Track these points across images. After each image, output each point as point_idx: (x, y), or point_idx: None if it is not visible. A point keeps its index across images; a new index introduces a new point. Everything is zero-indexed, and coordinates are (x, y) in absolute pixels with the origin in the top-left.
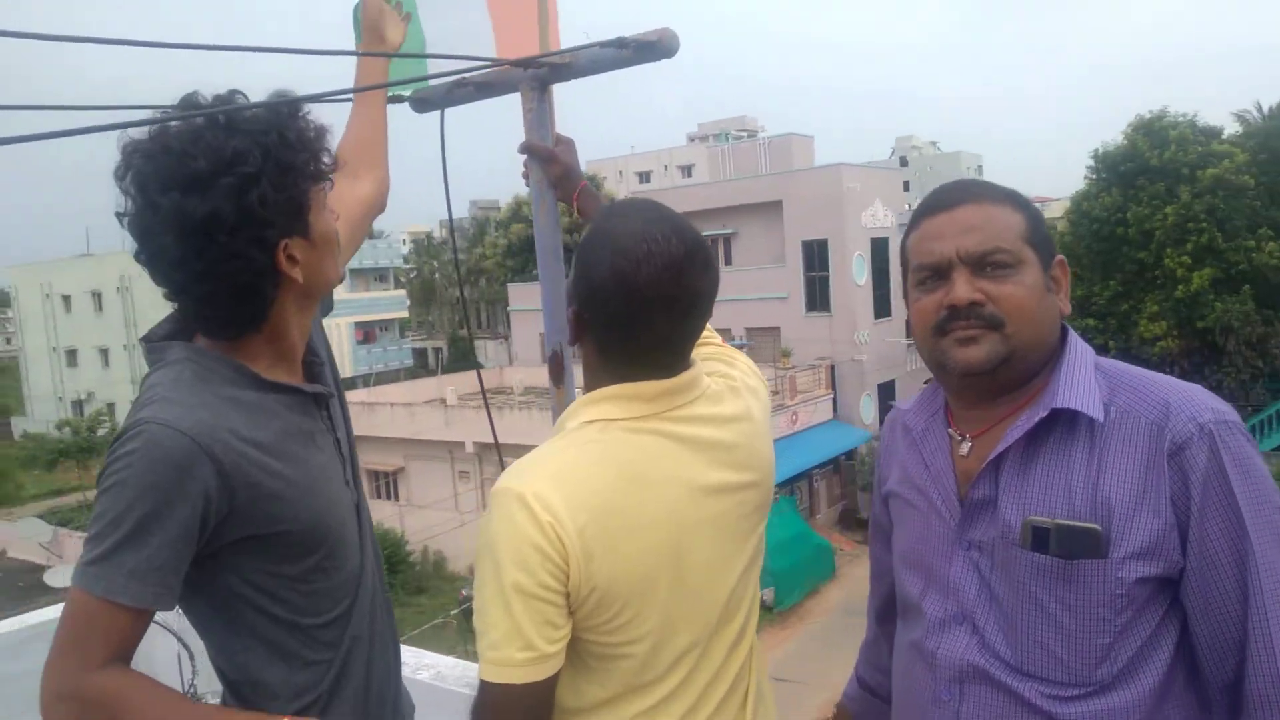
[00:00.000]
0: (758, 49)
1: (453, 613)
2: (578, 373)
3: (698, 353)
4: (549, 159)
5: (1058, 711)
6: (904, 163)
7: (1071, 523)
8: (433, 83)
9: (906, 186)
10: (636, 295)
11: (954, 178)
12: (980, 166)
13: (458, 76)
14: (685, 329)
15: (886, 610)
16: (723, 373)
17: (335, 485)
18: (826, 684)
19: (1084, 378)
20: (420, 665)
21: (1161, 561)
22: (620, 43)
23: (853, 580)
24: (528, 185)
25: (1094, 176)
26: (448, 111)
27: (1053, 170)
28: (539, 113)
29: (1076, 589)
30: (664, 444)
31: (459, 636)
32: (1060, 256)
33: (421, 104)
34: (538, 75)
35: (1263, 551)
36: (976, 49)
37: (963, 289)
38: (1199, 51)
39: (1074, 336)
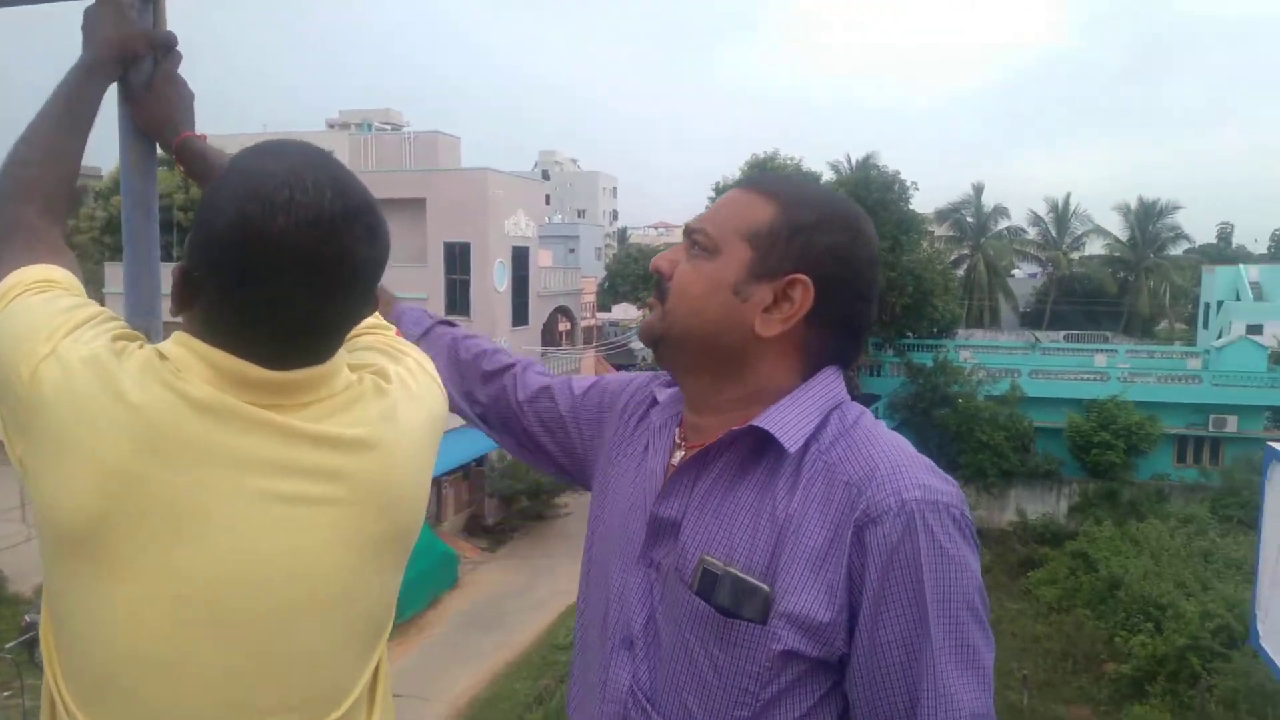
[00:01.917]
0: (409, 41)
1: (9, 646)
2: None
3: (353, 342)
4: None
5: None
6: (546, 176)
7: (743, 575)
8: None
9: (548, 200)
10: (264, 252)
11: (592, 195)
12: (615, 188)
13: None
14: (328, 310)
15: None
16: (378, 367)
17: None
18: (447, 698)
19: (802, 409)
20: None
21: (820, 644)
22: None
23: (476, 588)
24: None
25: None
26: (12, 13)
27: (681, 197)
28: (141, 11)
29: (729, 650)
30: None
31: (15, 671)
32: (801, 278)
33: None
34: None
35: (942, 665)
36: (623, 78)
37: (663, 255)
38: (806, 104)
39: (828, 378)
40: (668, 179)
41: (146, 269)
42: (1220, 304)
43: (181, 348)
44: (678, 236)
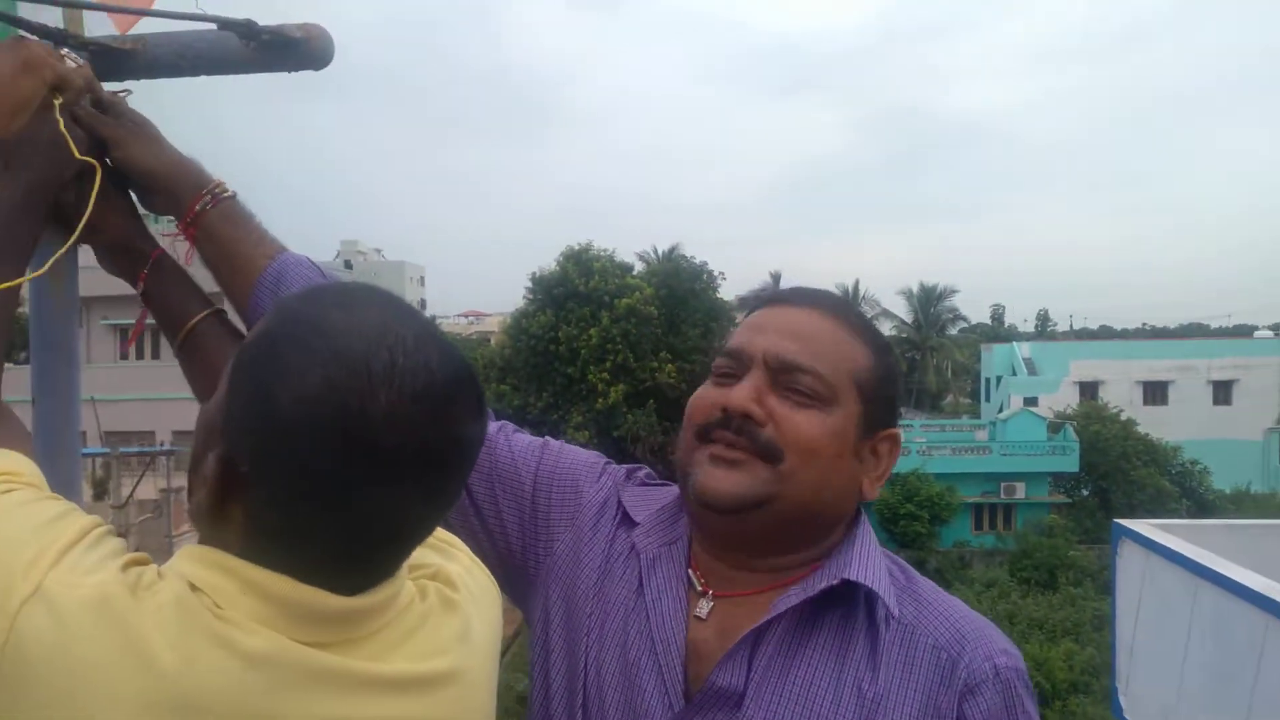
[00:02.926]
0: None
1: None
2: None
3: None
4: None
5: None
6: (349, 266)
7: None
8: None
9: None
10: (364, 442)
11: (398, 285)
12: (423, 277)
13: None
14: (431, 512)
15: None
16: (436, 570)
17: None
18: None
19: (876, 558)
20: None
21: None
22: (246, 29)
23: None
24: None
25: (531, 297)
26: None
27: (496, 287)
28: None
29: None
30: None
31: None
32: (896, 432)
33: None
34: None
35: None
36: (424, 161)
37: (744, 392)
38: (615, 199)
39: (867, 520)
40: (477, 268)
41: (63, 404)
42: (999, 379)
43: (218, 573)
44: (490, 325)
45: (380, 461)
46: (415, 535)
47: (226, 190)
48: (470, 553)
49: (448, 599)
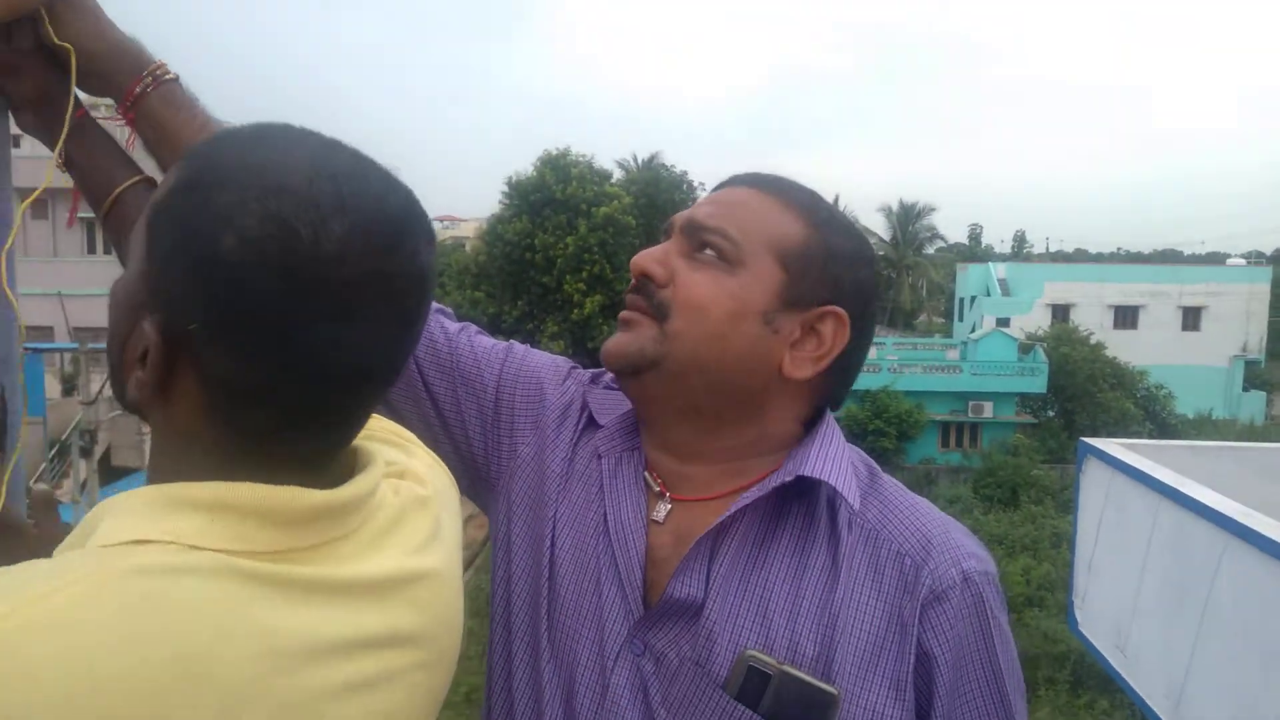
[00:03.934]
0: (167, 21)
1: None
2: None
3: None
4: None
5: None
6: None
7: (805, 677)
8: None
9: None
10: (321, 276)
11: None
12: None
13: None
14: (391, 352)
15: None
16: (402, 468)
17: None
18: None
19: (838, 456)
20: None
21: None
22: None
23: None
24: None
25: (507, 202)
26: None
27: (472, 193)
28: None
29: None
30: (289, 609)
31: None
32: (837, 311)
33: None
34: None
35: None
36: (400, 66)
37: (649, 253)
38: (595, 105)
39: (833, 424)
40: (452, 170)
41: None
42: (973, 299)
43: (175, 511)
44: (466, 231)
45: (340, 296)
46: (382, 381)
47: (169, 73)
48: (428, 450)
49: (420, 496)
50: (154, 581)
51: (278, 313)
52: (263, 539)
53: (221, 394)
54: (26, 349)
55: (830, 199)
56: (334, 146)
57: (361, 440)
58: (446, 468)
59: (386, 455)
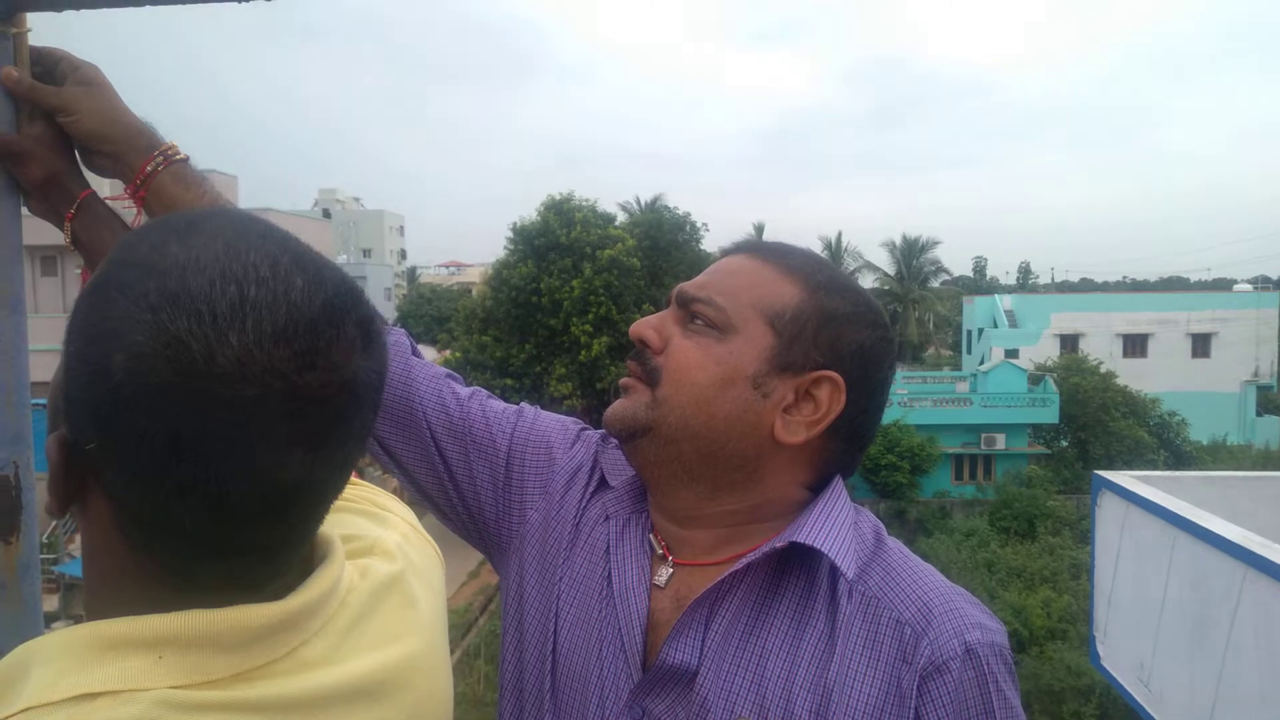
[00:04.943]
0: (168, 78)
1: None
2: None
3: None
4: (12, 152)
5: None
6: (327, 214)
7: None
8: None
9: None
10: (216, 398)
11: (377, 234)
12: (402, 226)
13: None
14: (322, 474)
15: None
16: (371, 543)
17: None
18: None
19: (840, 523)
20: None
21: None
22: None
23: None
24: None
25: (512, 247)
26: None
27: (478, 237)
28: None
29: None
30: None
31: None
32: (832, 376)
33: None
34: None
35: None
36: (408, 109)
37: (645, 321)
38: (599, 150)
39: (840, 490)
40: (458, 218)
41: (7, 353)
42: (981, 331)
43: (113, 654)
44: (472, 276)
45: (242, 419)
46: (316, 502)
47: (179, 153)
48: (410, 518)
49: (389, 574)
50: None
51: (170, 437)
52: (217, 666)
53: (128, 519)
54: (35, 405)
55: (833, 236)
56: (256, 240)
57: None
58: (426, 536)
59: (354, 527)
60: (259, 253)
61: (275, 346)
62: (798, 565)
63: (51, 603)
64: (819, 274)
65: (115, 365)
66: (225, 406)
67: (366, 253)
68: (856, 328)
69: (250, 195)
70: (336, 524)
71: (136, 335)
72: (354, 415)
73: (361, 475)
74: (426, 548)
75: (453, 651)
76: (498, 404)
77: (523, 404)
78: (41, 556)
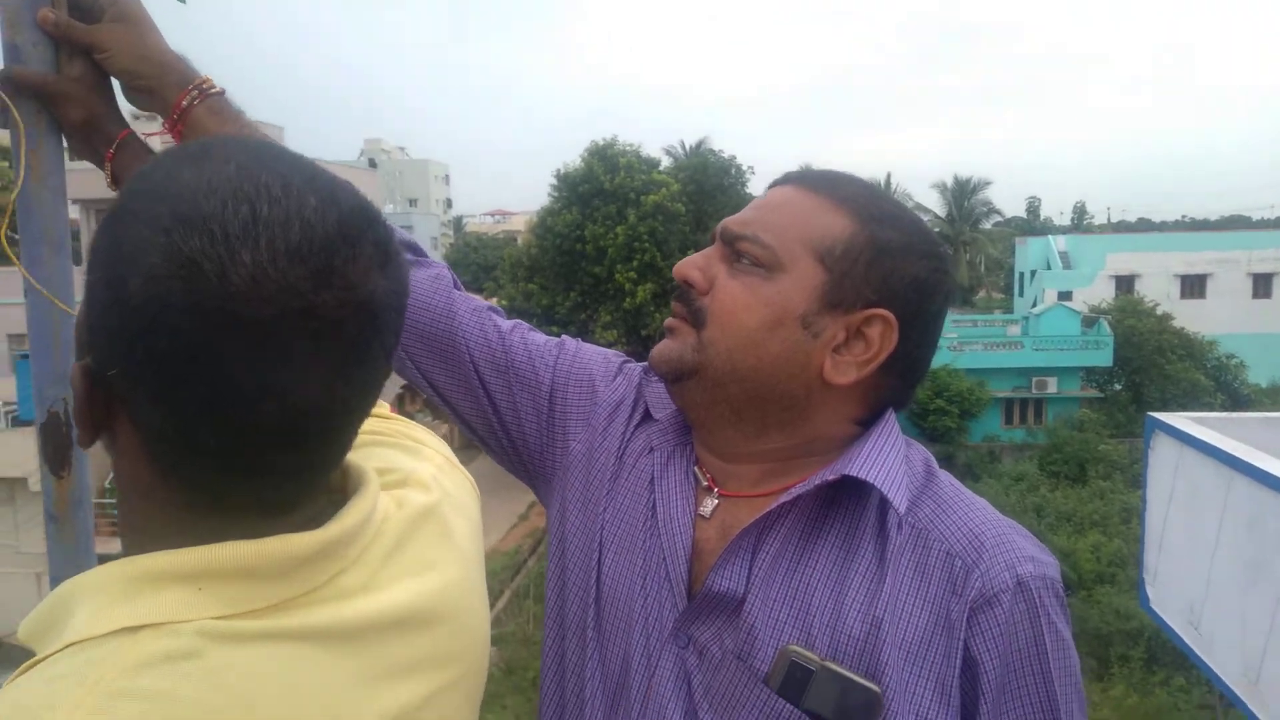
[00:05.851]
0: (216, 29)
1: None
2: None
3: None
4: (51, 94)
5: None
6: (373, 164)
7: (848, 674)
8: None
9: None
10: (231, 316)
11: (423, 184)
12: (448, 176)
13: None
14: (344, 394)
15: None
16: (404, 475)
17: None
18: None
19: (891, 456)
20: None
21: None
22: None
23: None
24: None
25: (557, 194)
26: None
27: (521, 185)
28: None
29: None
30: (313, 660)
31: None
32: (884, 314)
33: None
34: None
35: None
36: (450, 57)
37: (690, 261)
38: (644, 96)
39: (892, 423)
40: (503, 166)
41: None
42: (1034, 273)
43: (186, 585)
44: (517, 224)
45: (259, 338)
46: (340, 423)
47: (214, 86)
48: (445, 451)
49: (425, 504)
50: (156, 681)
51: (188, 358)
52: (257, 596)
53: (157, 444)
54: None
55: (882, 179)
56: (269, 160)
57: (360, 445)
58: (462, 469)
59: (388, 460)
60: (271, 173)
61: (290, 265)
62: (846, 497)
63: (115, 545)
64: (871, 204)
65: (132, 289)
66: (242, 326)
67: (413, 202)
68: (910, 260)
69: (296, 147)
70: (371, 457)
71: (151, 258)
72: (373, 336)
73: (413, 420)
74: (462, 480)
75: (502, 592)
76: (539, 336)
77: (564, 336)
78: (106, 501)
